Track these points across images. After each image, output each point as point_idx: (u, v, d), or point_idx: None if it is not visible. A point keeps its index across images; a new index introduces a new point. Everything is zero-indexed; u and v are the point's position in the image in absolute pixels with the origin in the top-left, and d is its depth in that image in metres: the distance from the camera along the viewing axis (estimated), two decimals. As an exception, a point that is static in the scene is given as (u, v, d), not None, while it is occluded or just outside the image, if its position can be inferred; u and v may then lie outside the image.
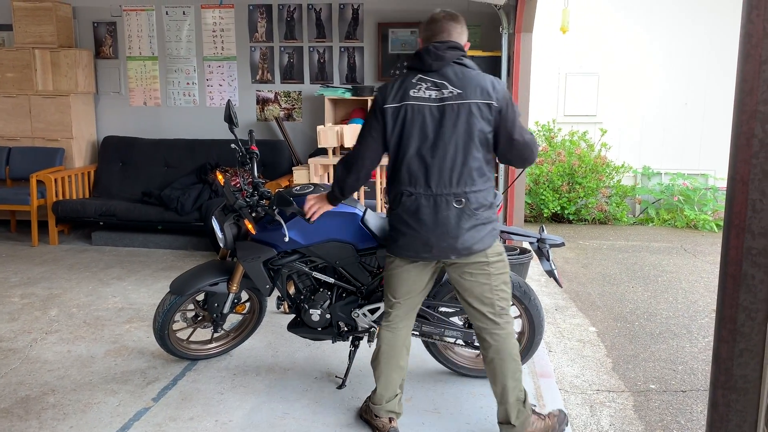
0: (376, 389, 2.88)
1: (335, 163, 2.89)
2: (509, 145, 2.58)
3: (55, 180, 6.12)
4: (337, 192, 2.79)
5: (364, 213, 3.18)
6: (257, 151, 3.36)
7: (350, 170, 2.70)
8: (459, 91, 2.49)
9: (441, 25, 2.59)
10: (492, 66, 5.81)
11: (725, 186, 3.88)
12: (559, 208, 7.74)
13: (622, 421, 3.19)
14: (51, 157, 6.45)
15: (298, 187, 3.28)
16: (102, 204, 6.06)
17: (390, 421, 2.85)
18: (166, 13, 6.67)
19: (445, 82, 2.51)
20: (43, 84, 6.54)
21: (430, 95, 2.52)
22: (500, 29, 5.47)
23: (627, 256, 6.30)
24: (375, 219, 3.21)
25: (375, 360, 2.86)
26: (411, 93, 2.54)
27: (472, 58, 5.83)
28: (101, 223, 6.10)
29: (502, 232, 3.31)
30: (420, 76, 2.56)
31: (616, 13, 7.98)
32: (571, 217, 7.81)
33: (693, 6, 7.84)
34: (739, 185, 0.75)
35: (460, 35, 2.62)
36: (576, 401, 3.38)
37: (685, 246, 6.76)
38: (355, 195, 4.74)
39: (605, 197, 7.87)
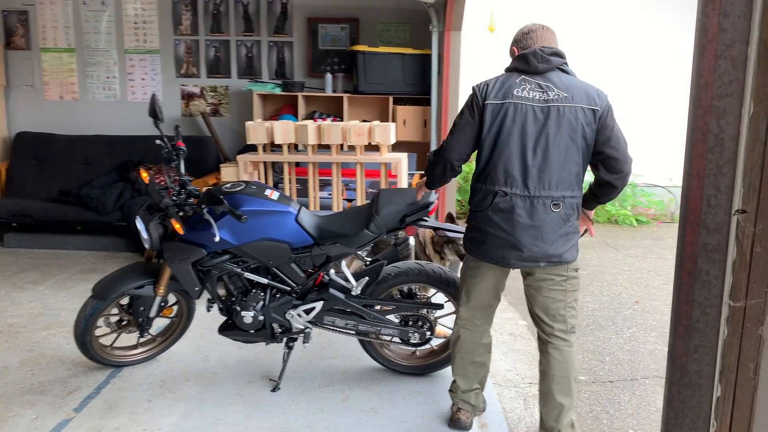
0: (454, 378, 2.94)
1: (289, 161, 2.79)
2: (601, 154, 2.53)
3: (-38, 178, 5.71)
4: (428, 183, 2.82)
5: (299, 211, 3.11)
6: (184, 148, 3.23)
7: (437, 163, 2.68)
8: (566, 94, 2.49)
9: (540, 33, 2.62)
10: (422, 64, 5.84)
11: (643, 183, 4.11)
12: (488, 204, 7.87)
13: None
14: (-44, 154, 6.02)
15: (228, 185, 3.18)
16: (15, 204, 5.70)
17: (458, 411, 2.90)
18: (84, 3, 6.34)
19: (551, 85, 2.51)
20: (-53, 75, 6.10)
21: (534, 96, 2.50)
22: (430, 27, 5.49)
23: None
24: (309, 217, 3.14)
25: (453, 348, 2.89)
26: (515, 92, 2.51)
27: (402, 55, 5.90)
28: (14, 224, 5.74)
29: (436, 228, 3.32)
30: (524, 77, 2.54)
31: (541, 14, 8.18)
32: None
33: (617, 4, 8.14)
34: (695, 180, 0.74)
35: (558, 45, 2.64)
36: (510, 395, 3.42)
37: (607, 240, 7.01)
38: (288, 192, 4.66)
39: (532, 194, 8.06)
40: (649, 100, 8.19)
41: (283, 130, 4.61)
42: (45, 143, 6.23)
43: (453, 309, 3.34)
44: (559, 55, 2.57)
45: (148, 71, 6.41)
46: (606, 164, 2.53)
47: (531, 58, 2.54)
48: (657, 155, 8.28)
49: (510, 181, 2.51)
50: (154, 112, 3.15)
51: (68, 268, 5.23)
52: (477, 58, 8.08)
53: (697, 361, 0.77)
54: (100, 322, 3.28)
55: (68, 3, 6.34)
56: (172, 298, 3.45)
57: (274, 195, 3.14)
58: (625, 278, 5.56)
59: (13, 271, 5.14)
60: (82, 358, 3.42)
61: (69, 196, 5.68)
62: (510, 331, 4.32)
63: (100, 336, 3.35)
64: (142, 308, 3.28)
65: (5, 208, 5.66)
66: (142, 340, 3.47)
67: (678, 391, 0.79)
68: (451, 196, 5.79)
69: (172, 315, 3.50)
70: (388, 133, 4.62)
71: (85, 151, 6.17)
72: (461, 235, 3.28)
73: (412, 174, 5.75)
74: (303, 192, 5.12)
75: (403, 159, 4.76)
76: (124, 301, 3.35)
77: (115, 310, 3.35)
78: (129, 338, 3.47)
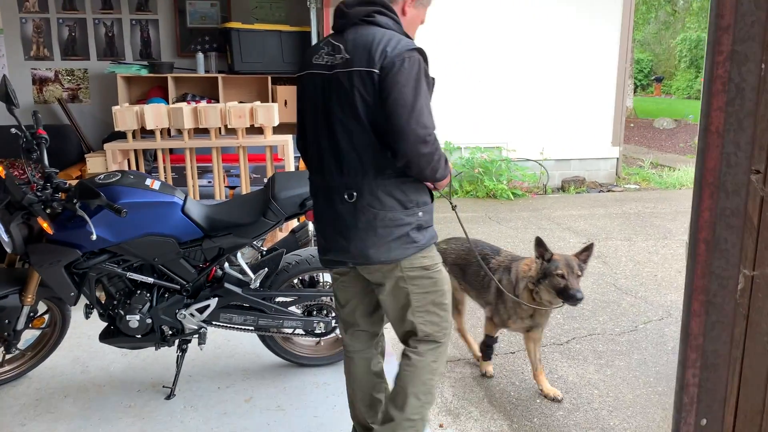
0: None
1: (163, 148, 2.47)
2: (388, 131, 1.97)
3: None
4: None
5: (185, 201, 2.84)
6: (46, 136, 2.85)
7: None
8: (348, 56, 1.98)
9: None
10: (301, 42, 5.62)
11: (516, 157, 4.14)
12: (371, 185, 7.82)
13: (463, 389, 3.25)
14: None
15: (102, 176, 2.84)
16: None
17: None
18: None
19: (341, 46, 2.01)
20: None
21: (325, 62, 2.04)
22: (308, 3, 5.27)
23: (442, 227, 6.50)
24: (197, 207, 2.88)
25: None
26: (313, 60, 2.09)
27: (279, 33, 5.64)
28: None
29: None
30: (329, 38, 2.09)
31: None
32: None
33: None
34: (714, 137, 0.66)
35: None
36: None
37: (489, 214, 7.19)
38: (169, 181, 4.31)
39: (414, 172, 8.11)
40: (520, 74, 8.48)
41: (155, 114, 4.24)
42: None
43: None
44: (370, 3, 2.04)
45: (-10, 53, 5.68)
46: (389, 142, 1.99)
47: (335, 12, 2.09)
48: (528, 130, 8.61)
49: (313, 167, 2.18)
50: (8, 97, 2.73)
51: None
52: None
53: (714, 339, 0.70)
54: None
55: None
56: (42, 307, 3.06)
57: (156, 185, 2.84)
58: (511, 249, 5.71)
59: None
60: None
61: None
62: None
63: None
64: (7, 321, 2.87)
65: None
66: (8, 356, 3.05)
67: (693, 374, 0.72)
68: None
69: (43, 326, 3.10)
70: (271, 114, 4.39)
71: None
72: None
73: (298, 157, 5.54)
74: (180, 181, 4.76)
75: (289, 141, 4.55)
76: (-17, 314, 2.91)
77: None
78: (-8, 356, 3.04)
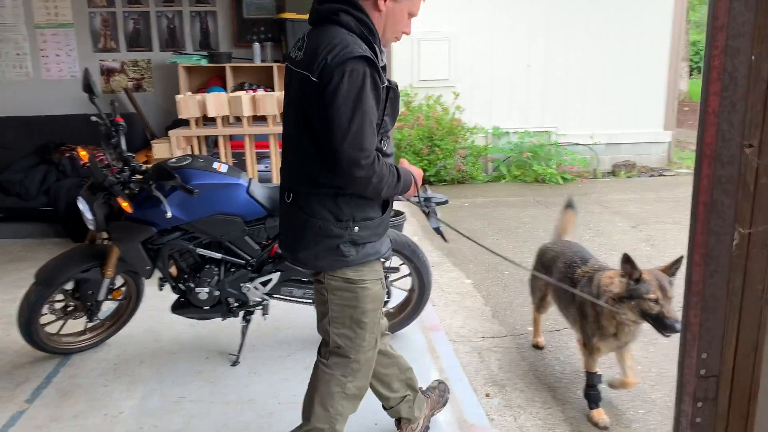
0: None
1: (224, 135, 2.66)
2: (323, 147, 1.89)
3: None
4: None
5: (249, 183, 3.06)
6: (123, 123, 3.11)
7: None
8: (303, 57, 1.93)
9: None
10: (352, 30, 5.79)
11: (566, 141, 4.19)
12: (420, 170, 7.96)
13: (509, 363, 3.40)
14: None
15: (174, 160, 3.09)
16: (-75, 193, 5.32)
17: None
18: (-16, -26, 5.90)
19: (305, 43, 1.95)
20: None
21: (295, 57, 1.99)
22: (359, -7, 5.44)
23: (488, 212, 6.65)
24: (261, 188, 3.10)
25: None
26: (291, 52, 2.03)
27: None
28: (-74, 216, 5.36)
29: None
30: (306, 32, 2.03)
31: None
32: (432, 179, 8.07)
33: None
34: (711, 117, 0.80)
35: None
36: (465, 349, 3.54)
37: (537, 198, 7.26)
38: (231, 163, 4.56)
39: (462, 158, 8.22)
40: (570, 57, 8.46)
41: (216, 102, 4.49)
42: (-47, 127, 5.81)
43: (408, 271, 3.40)
44: (334, 0, 1.92)
45: (62, 47, 6.05)
46: (325, 158, 1.90)
47: (311, 6, 2.01)
48: (578, 114, 8.60)
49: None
50: (89, 88, 3.00)
51: (-7, 258, 4.95)
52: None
53: (712, 286, 0.84)
54: (45, 309, 3.15)
55: (-34, -26, 5.87)
56: (120, 280, 3.34)
57: (223, 168, 3.08)
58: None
59: (-68, 265, 4.81)
60: (26, 348, 3.27)
61: (-13, 183, 5.35)
62: (457, 290, 4.44)
63: (45, 324, 3.21)
64: (89, 292, 3.16)
65: None
66: (90, 325, 3.35)
67: (695, 314, 0.86)
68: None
69: (120, 297, 3.39)
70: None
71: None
72: (414, 199, 3.31)
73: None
74: (240, 166, 5.01)
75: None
76: (69, 286, 3.22)
77: (60, 296, 3.22)
78: (76, 324, 3.35)
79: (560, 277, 3.04)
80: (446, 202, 3.30)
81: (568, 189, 7.79)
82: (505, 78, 8.43)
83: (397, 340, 3.46)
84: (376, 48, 1.92)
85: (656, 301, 2.51)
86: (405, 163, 2.23)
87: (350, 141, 1.81)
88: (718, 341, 0.85)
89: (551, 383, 3.20)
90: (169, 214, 2.85)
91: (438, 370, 3.19)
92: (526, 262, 4.99)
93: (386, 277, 3.31)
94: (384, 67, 1.99)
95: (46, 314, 3.17)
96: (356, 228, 2.01)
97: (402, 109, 8.24)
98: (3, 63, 6.04)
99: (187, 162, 3.02)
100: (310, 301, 3.26)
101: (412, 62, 8.36)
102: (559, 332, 3.75)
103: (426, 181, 8.05)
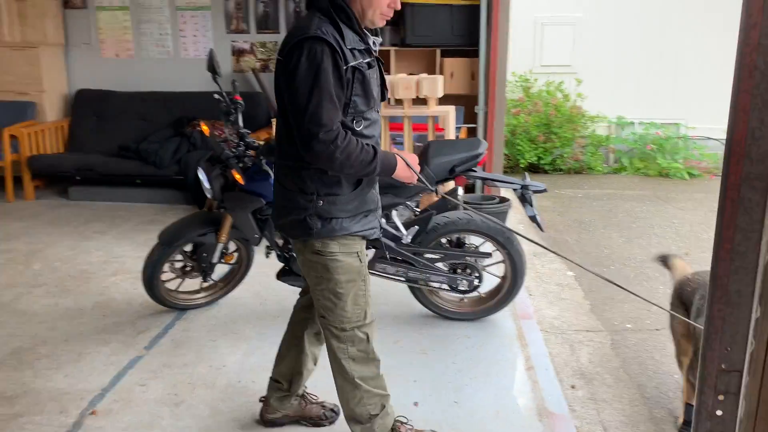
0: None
1: None
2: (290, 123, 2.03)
3: (29, 134, 6.00)
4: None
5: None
6: (242, 101, 3.35)
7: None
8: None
9: None
10: (471, 15, 5.79)
11: (696, 135, 3.89)
12: (535, 158, 7.84)
13: (600, 357, 3.35)
14: (22, 111, 6.30)
15: (284, 137, 3.29)
16: (79, 158, 5.98)
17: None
18: (136, -39, 6.47)
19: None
20: (10, 35, 6.34)
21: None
22: (479, -23, 5.43)
23: (602, 204, 6.45)
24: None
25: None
26: None
27: (450, 7, 5.85)
28: (78, 178, 6.03)
29: (486, 179, 3.38)
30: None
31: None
32: (547, 168, 7.92)
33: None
34: (741, 114, 0.80)
35: None
36: (556, 341, 3.52)
37: (658, 193, 6.93)
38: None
39: (580, 147, 7.99)
40: (702, 46, 7.94)
41: (333, 84, 4.68)
42: (103, 100, 6.47)
43: (501, 258, 3.43)
44: None
45: (199, 28, 6.53)
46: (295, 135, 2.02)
47: None
48: (710, 106, 8.06)
49: None
50: (213, 68, 3.26)
51: (130, 219, 5.50)
52: (525, 8, 7.94)
53: (737, 281, 0.84)
54: (166, 267, 3.48)
55: (121, -39, 6.47)
56: (232, 246, 3.63)
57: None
58: (674, 231, 5.53)
59: (80, 222, 5.42)
60: (149, 301, 3.64)
61: (128, 151, 5.92)
62: (557, 282, 4.39)
63: (166, 281, 3.56)
64: (205, 254, 3.47)
65: (69, 163, 5.94)
66: (204, 284, 3.67)
67: (718, 309, 0.86)
68: (499, 149, 5.80)
69: (232, 262, 3.68)
70: (435, 86, 4.65)
71: (141, 108, 6.39)
72: (511, 186, 3.34)
73: (460, 127, 5.78)
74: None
75: (450, 112, 4.80)
76: (188, 248, 3.54)
77: (179, 257, 3.55)
78: (192, 283, 3.68)
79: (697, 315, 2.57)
80: (544, 190, 3.30)
81: (693, 185, 7.36)
82: (632, 65, 8.07)
83: (487, 325, 3.52)
84: (351, 30, 2.01)
85: None
86: (409, 156, 2.27)
87: (309, 117, 1.92)
88: (742, 337, 0.86)
89: (642, 382, 3.12)
90: (275, 188, 3.06)
91: (524, 358, 3.21)
92: (635, 259, 4.83)
93: (475, 261, 3.36)
94: (368, 50, 2.07)
95: (166, 272, 3.51)
96: (320, 202, 2.09)
97: (519, 94, 8.12)
98: (148, 42, 6.62)
99: (295, 139, 3.21)
100: (404, 279, 3.38)
101: (534, 47, 8.21)
102: (659, 331, 3.63)
103: (538, 169, 7.91)
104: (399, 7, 2.11)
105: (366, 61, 2.05)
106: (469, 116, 5.94)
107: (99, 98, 6.48)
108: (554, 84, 8.12)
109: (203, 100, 6.20)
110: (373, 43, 2.11)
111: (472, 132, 5.81)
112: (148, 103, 6.39)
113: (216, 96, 3.35)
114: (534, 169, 7.98)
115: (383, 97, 2.23)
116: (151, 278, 3.44)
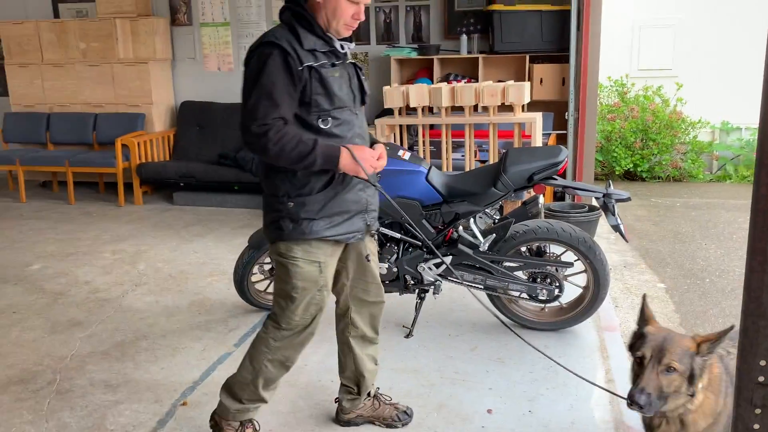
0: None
1: (423, 124, 2.74)
2: None
3: (138, 144, 6.48)
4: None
5: (429, 170, 3.27)
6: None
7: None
8: None
9: None
10: (561, 21, 5.71)
11: None
12: (631, 165, 7.58)
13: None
14: (133, 122, 6.81)
15: (366, 146, 3.40)
16: (182, 166, 6.39)
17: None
18: (237, -21, 6.83)
19: None
20: (124, 52, 6.87)
21: None
22: (569, -18, 5.35)
23: (701, 214, 6.15)
24: (439, 176, 3.30)
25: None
26: None
27: (540, 13, 5.79)
28: (181, 184, 6.44)
29: (566, 187, 3.34)
30: None
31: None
32: (644, 175, 7.64)
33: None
34: (770, 126, 0.80)
35: None
36: (641, 355, 3.40)
37: None
38: (421, 154, 4.83)
39: (680, 154, 7.64)
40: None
41: (418, 93, 4.77)
42: (205, 111, 6.88)
43: (582, 267, 3.37)
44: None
45: (294, 41, 6.80)
46: None
47: None
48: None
49: None
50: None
51: (227, 223, 5.81)
52: (622, 11, 7.71)
53: (771, 294, 0.83)
54: (255, 269, 3.68)
55: (223, -20, 6.86)
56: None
57: (406, 155, 3.32)
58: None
59: (182, 225, 5.80)
60: (240, 301, 3.85)
61: (227, 159, 6.27)
62: (647, 294, 4.23)
63: (255, 282, 3.76)
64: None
65: (173, 170, 6.36)
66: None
67: (752, 321, 0.85)
68: (590, 156, 5.67)
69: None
70: (522, 92, 4.62)
71: (240, 118, 6.71)
72: (593, 195, 3.29)
73: (548, 134, 5.70)
74: (437, 154, 5.27)
75: (537, 119, 4.76)
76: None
77: (267, 259, 3.73)
78: (279, 285, 3.85)
79: None
80: (628, 199, 3.23)
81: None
82: (737, 68, 7.63)
83: (567, 336, 3.47)
84: (313, 34, 2.15)
85: (641, 361, 1.87)
86: (361, 147, 2.27)
87: (246, 112, 2.14)
88: (778, 351, 0.84)
89: (732, 401, 2.97)
90: (355, 195, 3.17)
91: (605, 370, 3.14)
92: (733, 272, 4.59)
93: (556, 271, 3.33)
94: (332, 51, 2.20)
95: (255, 273, 3.71)
96: (290, 204, 2.22)
97: (615, 100, 7.88)
98: (247, 56, 6.96)
99: (376, 149, 3.31)
100: (482, 287, 3.39)
101: (631, 50, 7.95)
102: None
103: (635, 176, 7.63)
104: (363, 18, 2.22)
105: (330, 62, 2.18)
106: (559, 122, 5.85)
107: (201, 109, 6.90)
108: (652, 88, 7.82)
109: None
110: (341, 47, 2.23)
111: (561, 139, 5.72)
112: (245, 114, 6.72)
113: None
114: (630, 176, 7.72)
115: (363, 101, 2.35)
116: (241, 279, 3.64)
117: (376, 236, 2.67)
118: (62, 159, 6.62)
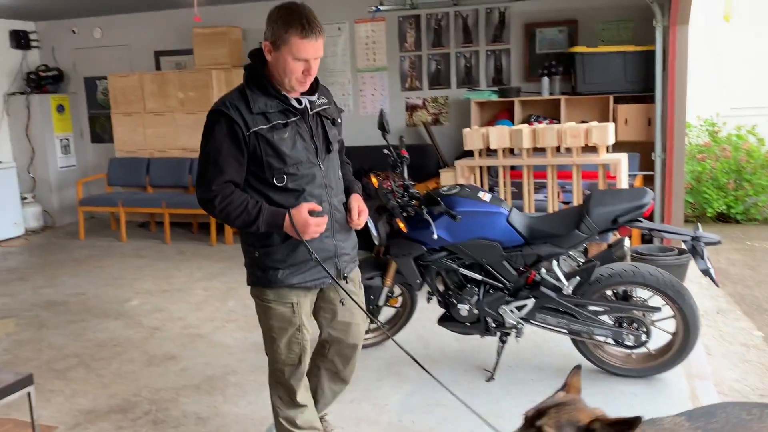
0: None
1: (504, 165, 2.80)
2: None
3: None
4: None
5: (510, 212, 3.28)
6: (407, 156, 3.57)
7: None
8: None
9: None
10: (645, 61, 5.63)
11: None
12: (724, 207, 7.25)
13: None
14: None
15: (445, 188, 3.47)
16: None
17: None
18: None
19: None
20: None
21: None
22: (653, 22, 5.29)
23: None
24: (521, 218, 3.31)
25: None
26: None
27: (623, 54, 5.73)
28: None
29: (652, 230, 3.27)
30: None
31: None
32: (738, 217, 7.27)
33: None
34: None
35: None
36: (737, 406, 3.23)
37: None
38: (503, 195, 4.84)
39: (779, 195, 7.25)
40: None
41: (498, 135, 4.79)
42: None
43: (671, 313, 3.26)
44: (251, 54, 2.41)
45: (377, 87, 7.04)
46: None
47: None
48: None
49: None
50: (382, 125, 3.53)
51: (311, 263, 5.96)
52: (710, 49, 7.49)
53: None
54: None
55: (311, 31, 7.20)
56: (397, 290, 3.83)
57: (487, 197, 3.35)
58: None
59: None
60: (323, 339, 3.94)
61: (311, 201, 6.47)
62: (742, 342, 4.02)
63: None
64: (371, 297, 3.70)
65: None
66: (372, 326, 3.90)
67: None
68: (679, 197, 5.49)
69: (397, 305, 3.88)
70: (605, 133, 4.57)
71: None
72: (680, 237, 3.20)
73: (634, 175, 5.58)
74: (518, 195, 5.25)
75: (622, 159, 4.67)
76: (357, 291, 3.80)
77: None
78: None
79: None
80: (718, 242, 3.13)
81: None
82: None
83: (656, 383, 3.34)
84: (265, 95, 2.27)
85: (524, 420, 1.66)
86: (303, 211, 2.26)
87: (197, 176, 2.34)
88: None
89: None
90: (435, 236, 3.23)
91: (698, 421, 2.99)
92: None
93: (643, 315, 3.23)
94: (287, 109, 2.29)
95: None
96: (257, 253, 2.37)
97: (705, 139, 7.61)
98: (332, 102, 7.23)
99: (456, 191, 3.37)
100: (566, 331, 3.34)
101: (720, 88, 7.68)
102: None
103: (729, 219, 7.29)
104: (314, 73, 2.29)
105: (283, 121, 2.28)
106: (646, 163, 5.72)
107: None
108: (746, 127, 7.51)
109: (379, 154, 6.62)
110: (298, 102, 2.31)
111: (648, 180, 5.58)
112: (330, 157, 6.95)
113: (385, 151, 3.62)
114: (723, 218, 7.37)
115: (328, 150, 2.41)
116: (322, 318, 3.73)
117: (358, 280, 2.75)
118: (160, 201, 7.04)
